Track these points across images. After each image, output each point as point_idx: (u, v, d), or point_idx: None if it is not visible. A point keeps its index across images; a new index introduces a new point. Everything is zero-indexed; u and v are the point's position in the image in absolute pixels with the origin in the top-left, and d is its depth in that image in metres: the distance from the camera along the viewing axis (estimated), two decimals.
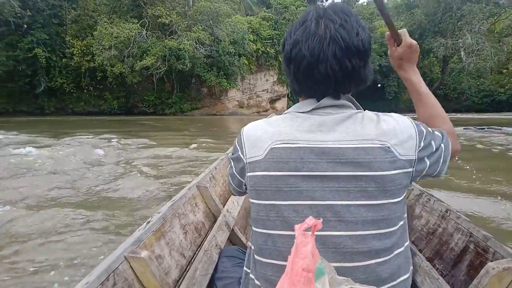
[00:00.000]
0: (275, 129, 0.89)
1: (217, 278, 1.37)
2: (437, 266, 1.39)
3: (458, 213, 1.42)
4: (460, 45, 38.32)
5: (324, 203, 0.81)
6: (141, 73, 33.18)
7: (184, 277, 1.40)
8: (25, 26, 31.72)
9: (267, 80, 43.51)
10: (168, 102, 37.68)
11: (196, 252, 1.60)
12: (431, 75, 48.84)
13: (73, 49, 34.05)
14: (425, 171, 0.91)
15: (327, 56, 0.83)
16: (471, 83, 42.77)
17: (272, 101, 44.98)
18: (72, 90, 36.26)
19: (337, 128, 0.86)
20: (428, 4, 41.68)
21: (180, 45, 31.47)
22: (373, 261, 0.81)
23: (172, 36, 32.80)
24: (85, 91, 36.81)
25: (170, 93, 37.97)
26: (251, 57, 40.44)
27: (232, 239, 2.05)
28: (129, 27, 31.06)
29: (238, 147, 0.97)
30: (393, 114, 0.94)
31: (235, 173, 1.01)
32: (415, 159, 0.87)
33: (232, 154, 1.01)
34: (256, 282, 0.90)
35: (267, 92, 43.83)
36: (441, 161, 0.94)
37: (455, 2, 38.03)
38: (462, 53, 40.87)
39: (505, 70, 43.52)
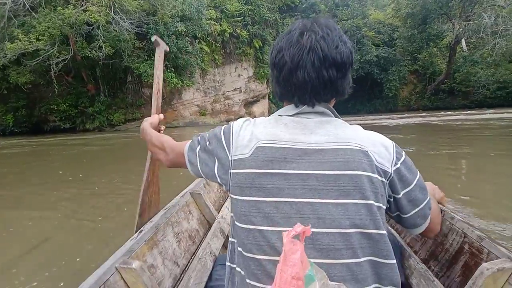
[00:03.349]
0: (261, 130, 0.89)
1: (211, 286, 1.30)
2: (433, 267, 1.29)
3: (452, 214, 1.30)
4: (473, 28, 29.93)
5: (304, 200, 0.80)
6: (34, 68, 18.17)
7: (177, 287, 1.32)
8: None
9: (239, 75, 28.92)
10: (88, 112, 22.52)
11: (190, 261, 1.48)
12: (432, 67, 38.26)
13: None
14: (397, 203, 0.89)
15: (305, 64, 0.84)
16: (486, 72, 33.32)
17: (248, 104, 30.44)
18: None
19: (318, 131, 0.86)
20: None
21: (82, 15, 16.49)
22: (349, 260, 0.78)
23: (71, 2, 17.72)
24: None
25: (94, 98, 22.89)
26: (214, 42, 25.91)
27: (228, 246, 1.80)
28: None
29: (224, 143, 0.92)
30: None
31: (210, 162, 0.95)
32: (391, 174, 0.84)
33: (212, 145, 0.95)
34: (243, 273, 0.85)
35: (240, 91, 29.19)
36: (418, 209, 0.91)
37: None
38: (463, 42, 35.20)
39: None
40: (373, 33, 38.61)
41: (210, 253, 1.54)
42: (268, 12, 28.18)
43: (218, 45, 26.26)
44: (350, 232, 0.78)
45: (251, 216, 0.82)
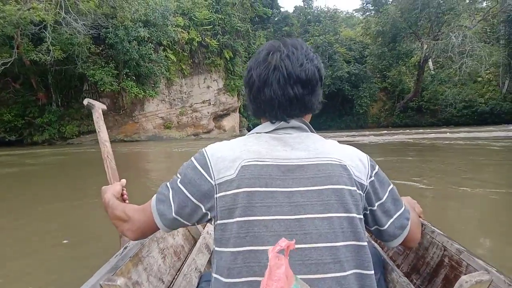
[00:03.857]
0: (243, 148, 0.87)
1: None
2: (415, 281, 1.31)
3: (433, 227, 1.32)
4: (441, 47, 30.32)
5: (292, 217, 0.79)
6: None
7: None
8: None
9: (208, 87, 27.27)
10: (37, 123, 20.04)
11: (175, 277, 1.45)
12: (401, 85, 38.79)
13: None
14: (373, 215, 0.90)
15: (271, 82, 0.86)
16: (453, 91, 33.44)
17: (218, 117, 28.76)
18: None
19: (298, 147, 0.87)
20: None
21: (26, 12, 14.36)
22: (337, 274, 0.78)
23: None
24: None
25: (44, 108, 20.46)
26: (181, 51, 24.23)
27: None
28: None
29: (201, 170, 0.87)
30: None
31: (191, 198, 0.87)
32: (366, 186, 0.87)
33: (187, 179, 0.88)
34: None
35: (209, 104, 27.49)
36: (393, 219, 0.92)
37: None
38: (429, 61, 35.25)
39: (480, 78, 34.53)
40: (345, 49, 38.72)
41: (196, 269, 1.53)
42: (239, 22, 26.92)
43: (185, 54, 24.57)
44: (336, 245, 0.78)
45: (239, 238, 0.79)
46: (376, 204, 0.88)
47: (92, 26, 17.21)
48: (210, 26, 25.12)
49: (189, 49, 24.57)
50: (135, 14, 18.57)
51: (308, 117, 0.95)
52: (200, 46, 25.06)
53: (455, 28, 29.40)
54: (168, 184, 0.92)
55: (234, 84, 28.16)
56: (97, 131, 1.49)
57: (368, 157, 0.92)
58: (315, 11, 44.08)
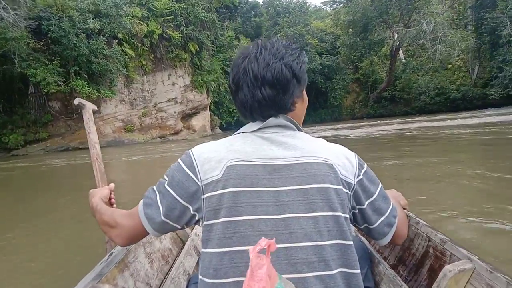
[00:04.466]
0: (229, 149, 0.87)
1: None
2: (401, 272, 1.32)
3: (418, 219, 1.34)
4: (413, 34, 30.01)
5: (277, 217, 0.80)
6: None
7: None
8: None
9: (173, 84, 25.04)
10: None
11: (164, 281, 1.43)
12: (374, 75, 38.56)
13: None
14: (363, 214, 0.90)
15: (242, 85, 0.87)
16: (425, 79, 33.42)
17: (186, 117, 26.70)
18: None
19: (285, 146, 0.87)
20: None
21: None
22: (323, 273, 0.78)
23: None
24: None
25: None
26: (140, 45, 21.95)
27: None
28: None
29: (188, 171, 0.87)
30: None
31: (179, 200, 0.87)
32: (354, 185, 0.87)
33: (174, 182, 0.88)
34: None
35: (176, 102, 25.30)
36: (383, 218, 0.92)
37: None
38: (401, 52, 35.62)
39: (450, 65, 34.56)
40: (316, 40, 37.99)
41: (184, 272, 1.51)
42: (203, 11, 24.79)
43: (145, 48, 22.24)
44: (321, 244, 0.78)
45: (226, 238, 0.79)
46: (366, 203, 0.88)
47: (29, 17, 14.75)
48: (171, 17, 22.89)
49: (149, 42, 22.26)
50: (81, 3, 16.18)
51: (295, 114, 0.93)
52: (161, 39, 22.79)
53: (426, 14, 29.01)
54: (154, 187, 0.90)
55: (202, 80, 26.05)
56: (86, 132, 1.45)
57: (356, 155, 0.91)
58: (284, 3, 42.97)
